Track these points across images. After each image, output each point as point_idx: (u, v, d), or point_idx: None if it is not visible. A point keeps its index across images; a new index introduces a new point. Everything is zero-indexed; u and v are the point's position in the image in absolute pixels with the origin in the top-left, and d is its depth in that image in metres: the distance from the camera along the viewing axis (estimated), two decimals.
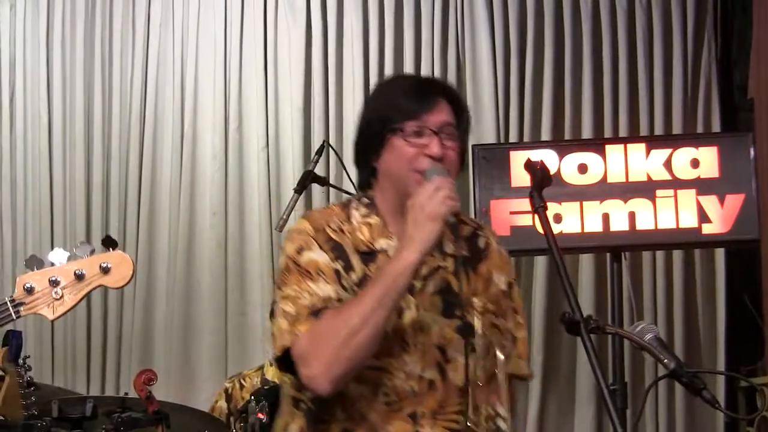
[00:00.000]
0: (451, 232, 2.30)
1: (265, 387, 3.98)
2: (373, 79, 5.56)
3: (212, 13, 5.75)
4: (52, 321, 2.44)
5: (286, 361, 2.21)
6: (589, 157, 4.43)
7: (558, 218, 4.35)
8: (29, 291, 2.38)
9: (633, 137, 5.15)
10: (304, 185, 4.04)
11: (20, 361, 3.08)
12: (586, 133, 5.39)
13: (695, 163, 4.37)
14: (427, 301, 2.28)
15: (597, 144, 4.61)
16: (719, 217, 4.31)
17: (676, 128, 5.34)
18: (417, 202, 2.16)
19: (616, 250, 4.49)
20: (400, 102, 2.28)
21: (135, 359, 5.53)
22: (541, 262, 5.29)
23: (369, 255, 2.28)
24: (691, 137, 4.94)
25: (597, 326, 2.03)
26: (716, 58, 5.41)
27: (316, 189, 5.28)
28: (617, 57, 5.45)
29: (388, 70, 5.57)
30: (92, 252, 2.41)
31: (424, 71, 5.51)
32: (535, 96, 5.49)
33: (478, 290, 2.35)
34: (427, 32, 5.58)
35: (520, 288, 2.52)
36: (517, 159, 4.37)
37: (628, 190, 4.38)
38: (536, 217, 2.16)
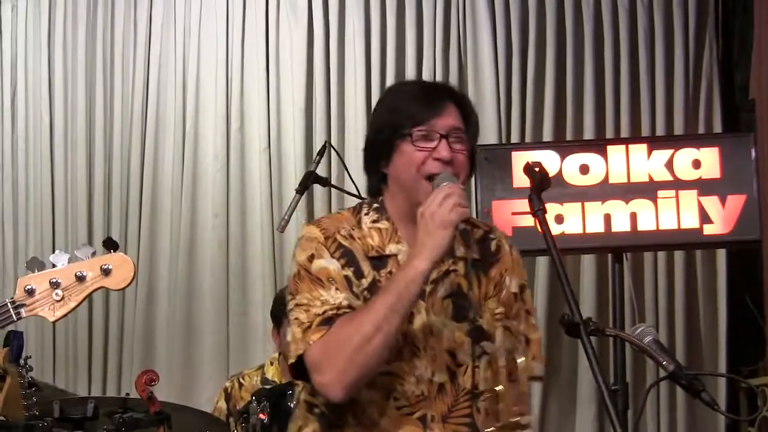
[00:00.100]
0: (462, 238, 2.31)
1: (266, 387, 3.98)
2: (375, 80, 5.56)
3: (214, 14, 5.75)
4: (52, 322, 2.44)
5: (299, 368, 2.22)
6: (591, 158, 4.42)
7: (560, 219, 4.35)
8: (30, 292, 2.38)
9: (634, 138, 5.15)
10: (305, 186, 4.04)
11: (21, 361, 3.08)
12: (588, 133, 5.39)
13: (697, 164, 4.36)
14: (438, 305, 2.29)
15: (598, 144, 4.61)
16: (721, 217, 4.31)
17: (678, 129, 5.34)
18: (427, 210, 2.17)
19: (618, 251, 4.49)
20: (408, 107, 2.30)
21: (136, 359, 5.54)
22: (542, 263, 5.29)
23: (379, 260, 2.29)
24: (692, 138, 4.94)
25: (596, 328, 2.03)
26: (718, 59, 5.41)
27: (318, 189, 5.29)
28: (619, 57, 5.45)
29: (390, 71, 5.57)
30: (93, 254, 2.41)
31: (426, 71, 5.51)
32: (537, 96, 5.49)
33: (489, 293, 2.35)
34: (428, 32, 5.59)
35: None
36: (519, 159, 4.36)
37: (629, 191, 4.37)
38: (536, 220, 2.17)
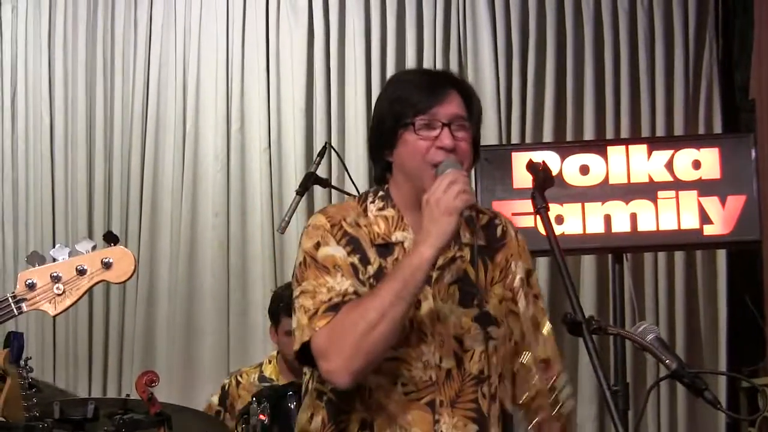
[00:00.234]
0: (468, 225, 2.33)
1: (266, 388, 3.98)
2: (376, 80, 5.56)
3: (214, 14, 5.75)
4: (54, 316, 2.44)
5: (305, 354, 2.22)
6: (591, 159, 4.43)
7: (560, 219, 4.35)
8: (31, 287, 2.38)
9: (634, 138, 5.15)
10: (306, 187, 4.04)
11: (22, 362, 3.07)
12: (588, 134, 5.39)
13: (697, 165, 4.36)
14: (444, 291, 2.30)
15: (599, 145, 4.61)
16: (721, 218, 4.31)
17: (678, 129, 5.34)
18: (432, 197, 2.18)
19: (618, 251, 4.49)
20: (411, 96, 2.30)
21: (137, 360, 5.54)
22: (543, 264, 5.29)
23: (385, 248, 2.31)
24: (692, 138, 4.95)
25: (599, 327, 2.03)
26: (717, 59, 5.41)
27: (318, 190, 5.28)
28: (619, 58, 5.45)
29: (390, 71, 5.57)
30: (94, 247, 2.40)
31: None
32: (537, 97, 5.49)
33: (495, 279, 2.37)
34: (429, 33, 5.59)
35: None
36: (519, 160, 4.36)
37: (629, 192, 4.38)
38: (538, 218, 2.17)
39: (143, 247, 5.64)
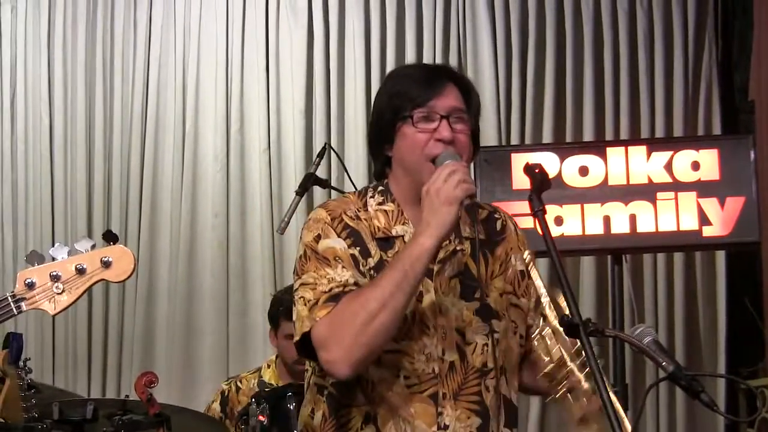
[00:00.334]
0: (468, 215, 2.32)
1: (265, 389, 3.98)
2: (375, 81, 5.56)
3: (214, 14, 5.75)
4: (54, 316, 2.44)
5: (306, 346, 2.22)
6: (590, 160, 4.43)
7: (559, 221, 4.35)
8: (30, 286, 2.38)
9: (634, 140, 5.15)
10: (305, 187, 4.04)
11: (21, 363, 3.07)
12: (587, 135, 5.40)
13: (696, 166, 4.37)
14: (446, 284, 2.30)
15: (598, 146, 4.62)
16: (720, 219, 4.31)
17: (677, 130, 5.34)
18: (432, 187, 2.18)
19: (617, 253, 4.49)
20: (409, 90, 2.31)
21: (136, 360, 5.54)
22: (542, 265, 5.22)
23: (386, 241, 2.31)
24: (691, 139, 4.95)
25: (596, 329, 2.04)
26: (717, 61, 5.42)
27: (318, 191, 5.28)
28: (618, 59, 5.45)
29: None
30: (93, 246, 2.41)
31: None
32: (537, 98, 5.49)
33: (495, 272, 2.37)
34: (428, 34, 5.59)
35: None
36: (519, 161, 4.37)
37: (628, 193, 4.38)
38: (536, 220, 2.17)
39: (143, 247, 5.64)
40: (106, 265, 2.41)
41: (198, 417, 3.99)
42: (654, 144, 4.65)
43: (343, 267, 2.24)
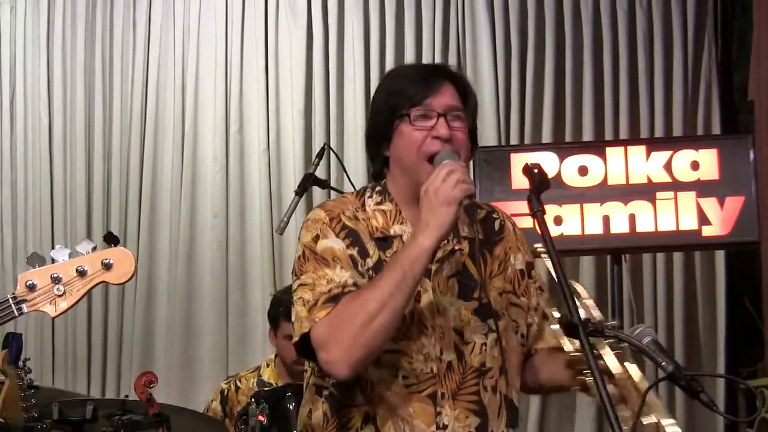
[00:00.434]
0: (467, 215, 2.32)
1: (265, 389, 3.98)
2: (374, 82, 5.56)
3: (213, 15, 5.76)
4: (54, 318, 2.44)
5: (305, 347, 2.22)
6: (590, 159, 4.44)
7: (558, 220, 4.36)
8: (31, 288, 2.38)
9: (633, 139, 5.16)
10: (304, 188, 4.04)
11: (20, 363, 3.08)
12: (587, 135, 5.40)
13: (695, 166, 4.37)
14: (444, 284, 2.30)
15: (597, 146, 4.62)
16: (719, 219, 4.32)
17: (677, 130, 5.35)
18: (431, 186, 2.17)
19: (617, 252, 4.50)
20: (406, 89, 2.31)
21: (136, 361, 5.54)
22: (541, 265, 5.26)
23: (384, 241, 2.31)
24: (691, 139, 4.95)
25: (595, 329, 2.03)
26: (716, 61, 5.42)
27: (317, 191, 5.27)
28: (618, 59, 5.45)
29: None
30: (94, 248, 2.41)
31: None
32: (536, 98, 5.49)
33: (494, 272, 2.38)
34: (428, 34, 5.59)
35: None
36: (518, 161, 4.38)
37: (628, 192, 4.39)
38: (535, 221, 2.17)
39: (142, 247, 5.64)
40: (107, 267, 2.41)
41: (198, 417, 3.99)
42: (653, 144, 4.65)
43: (341, 267, 2.23)
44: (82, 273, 2.39)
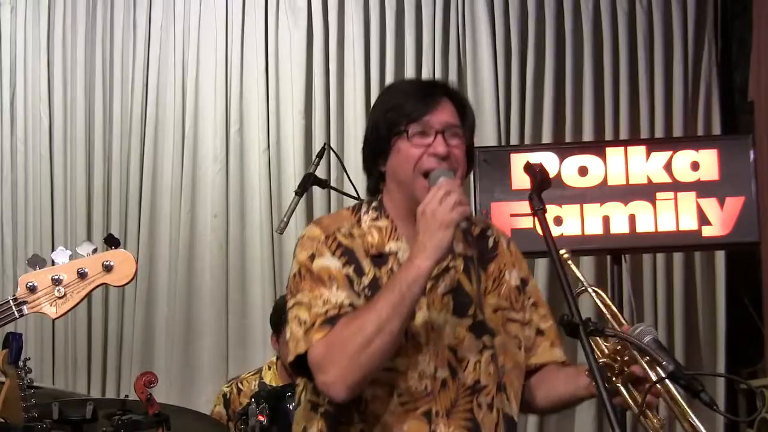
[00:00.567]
0: (464, 236, 2.32)
1: (265, 390, 3.98)
2: (375, 82, 5.57)
3: (213, 15, 5.75)
4: (55, 319, 2.44)
5: (300, 366, 2.22)
6: (590, 160, 4.43)
7: (558, 220, 4.35)
8: (32, 289, 2.38)
9: (633, 140, 5.16)
10: (305, 187, 4.04)
11: (20, 363, 3.08)
12: (587, 135, 5.40)
13: (695, 166, 4.37)
14: (438, 301, 2.29)
15: (597, 146, 4.62)
16: (719, 219, 4.31)
17: (677, 131, 5.35)
18: (428, 207, 2.16)
19: (617, 253, 4.49)
20: (404, 105, 2.31)
21: (136, 361, 5.54)
22: (542, 264, 5.29)
23: (379, 258, 2.30)
24: (691, 140, 4.95)
25: (596, 329, 2.03)
26: (716, 61, 5.42)
27: (317, 191, 5.28)
28: (618, 59, 5.46)
29: (389, 73, 5.58)
30: (95, 250, 2.41)
31: (425, 73, 5.52)
32: (536, 98, 5.50)
33: (489, 289, 2.36)
34: (428, 35, 5.59)
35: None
36: (518, 161, 4.37)
37: (628, 193, 4.38)
38: (536, 219, 2.17)
39: (142, 248, 5.64)
40: (108, 269, 2.41)
41: (198, 417, 4.00)
42: (653, 144, 4.65)
43: (337, 287, 2.23)
44: (83, 275, 2.39)
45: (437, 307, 2.29)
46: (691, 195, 4.35)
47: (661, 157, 4.41)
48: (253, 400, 3.62)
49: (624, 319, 2.18)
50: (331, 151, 4.84)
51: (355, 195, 3.86)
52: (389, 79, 5.54)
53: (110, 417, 3.49)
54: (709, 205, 4.33)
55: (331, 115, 5.61)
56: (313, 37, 5.67)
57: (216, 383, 5.25)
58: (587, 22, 5.49)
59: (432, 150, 2.26)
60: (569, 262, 2.21)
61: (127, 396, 3.81)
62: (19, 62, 5.88)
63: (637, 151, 4.44)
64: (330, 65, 5.65)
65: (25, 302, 2.38)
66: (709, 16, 5.45)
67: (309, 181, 4.05)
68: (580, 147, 4.73)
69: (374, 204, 2.38)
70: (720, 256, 5.24)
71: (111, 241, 2.43)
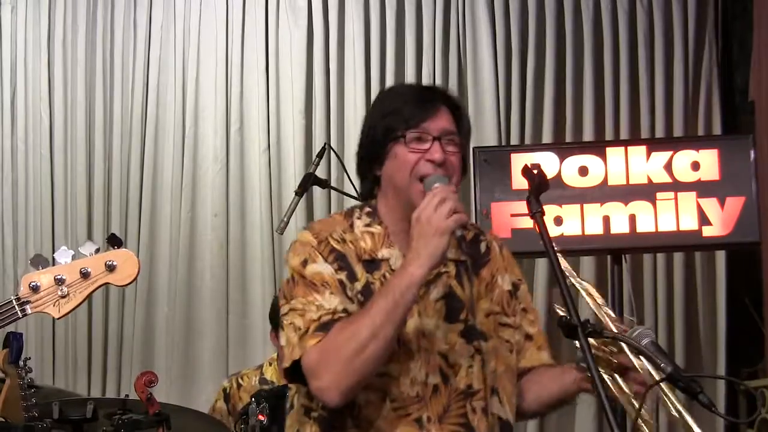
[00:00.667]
0: (458, 242, 2.32)
1: (265, 388, 3.99)
2: (375, 82, 5.57)
3: (213, 15, 5.75)
4: (57, 319, 2.45)
5: (294, 372, 2.23)
6: (590, 160, 4.43)
7: (558, 220, 4.35)
8: (35, 289, 2.38)
9: (634, 140, 5.16)
10: (305, 187, 4.04)
11: (21, 362, 3.08)
12: (587, 135, 5.40)
13: (696, 166, 4.36)
14: (431, 307, 2.30)
15: (598, 146, 4.61)
16: (719, 219, 4.31)
17: (677, 131, 5.35)
18: (423, 214, 2.16)
19: (617, 253, 4.49)
20: (401, 110, 2.31)
21: (136, 361, 5.54)
22: (541, 264, 5.30)
23: (372, 263, 2.30)
24: (691, 140, 4.95)
25: (594, 330, 2.04)
26: (717, 61, 5.42)
27: (317, 191, 5.29)
28: (618, 59, 5.45)
29: (390, 73, 5.58)
30: (97, 250, 2.41)
31: (426, 73, 5.52)
32: (537, 98, 5.50)
33: (481, 294, 2.36)
34: (428, 35, 5.59)
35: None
36: (518, 161, 4.37)
37: (628, 193, 4.38)
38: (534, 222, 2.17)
39: (142, 247, 5.64)
40: (111, 268, 2.41)
41: (198, 417, 4.00)
42: (654, 144, 4.65)
43: (331, 293, 2.23)
44: (85, 275, 2.39)
45: (429, 313, 2.29)
46: (692, 195, 4.34)
47: (661, 157, 4.40)
48: (253, 399, 3.62)
49: (618, 317, 2.18)
50: (332, 151, 4.84)
51: (356, 195, 3.85)
52: (389, 78, 5.55)
53: (110, 416, 3.49)
54: (710, 205, 4.32)
55: (332, 114, 5.61)
56: (313, 37, 5.67)
57: (216, 382, 5.24)
58: (587, 21, 5.49)
59: (428, 156, 2.27)
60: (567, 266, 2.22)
61: (127, 395, 3.82)
62: (19, 62, 5.89)
63: (638, 151, 4.44)
64: (330, 65, 5.65)
65: (28, 302, 2.39)
66: (710, 16, 5.45)
67: (309, 181, 4.05)
68: (580, 147, 4.73)
69: (367, 209, 2.37)
70: (720, 256, 5.24)
71: (114, 241, 2.44)
